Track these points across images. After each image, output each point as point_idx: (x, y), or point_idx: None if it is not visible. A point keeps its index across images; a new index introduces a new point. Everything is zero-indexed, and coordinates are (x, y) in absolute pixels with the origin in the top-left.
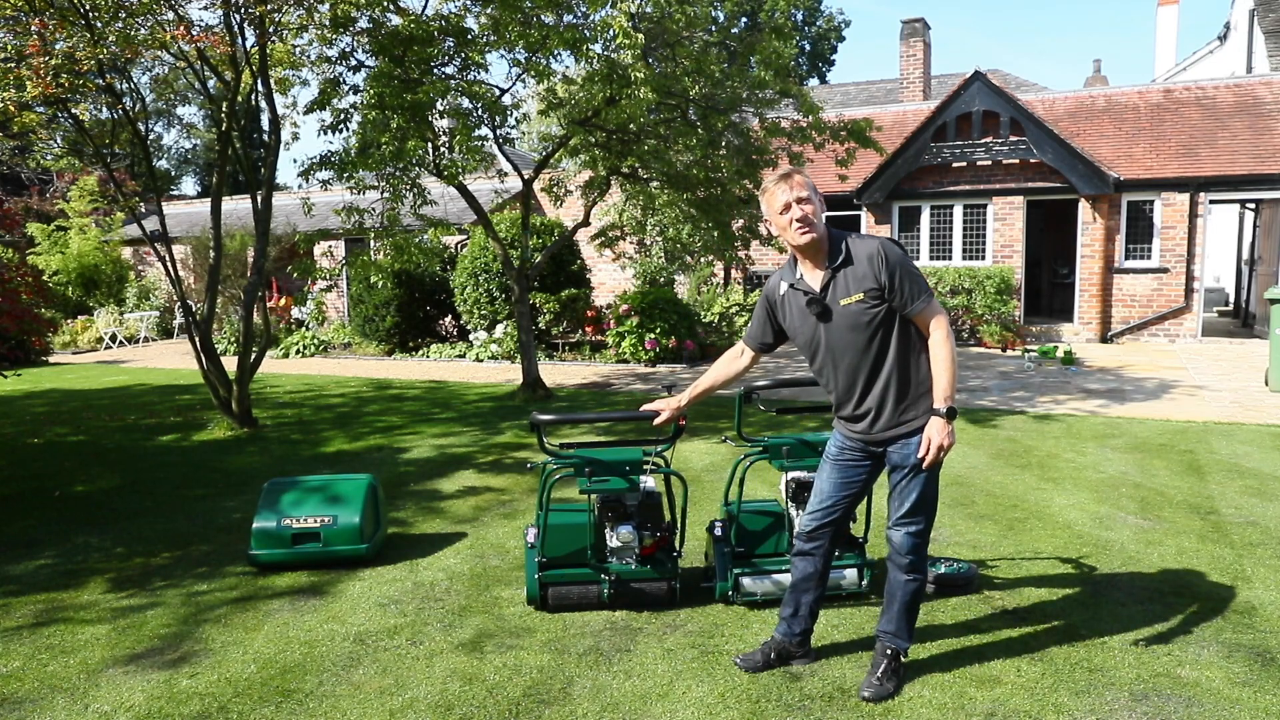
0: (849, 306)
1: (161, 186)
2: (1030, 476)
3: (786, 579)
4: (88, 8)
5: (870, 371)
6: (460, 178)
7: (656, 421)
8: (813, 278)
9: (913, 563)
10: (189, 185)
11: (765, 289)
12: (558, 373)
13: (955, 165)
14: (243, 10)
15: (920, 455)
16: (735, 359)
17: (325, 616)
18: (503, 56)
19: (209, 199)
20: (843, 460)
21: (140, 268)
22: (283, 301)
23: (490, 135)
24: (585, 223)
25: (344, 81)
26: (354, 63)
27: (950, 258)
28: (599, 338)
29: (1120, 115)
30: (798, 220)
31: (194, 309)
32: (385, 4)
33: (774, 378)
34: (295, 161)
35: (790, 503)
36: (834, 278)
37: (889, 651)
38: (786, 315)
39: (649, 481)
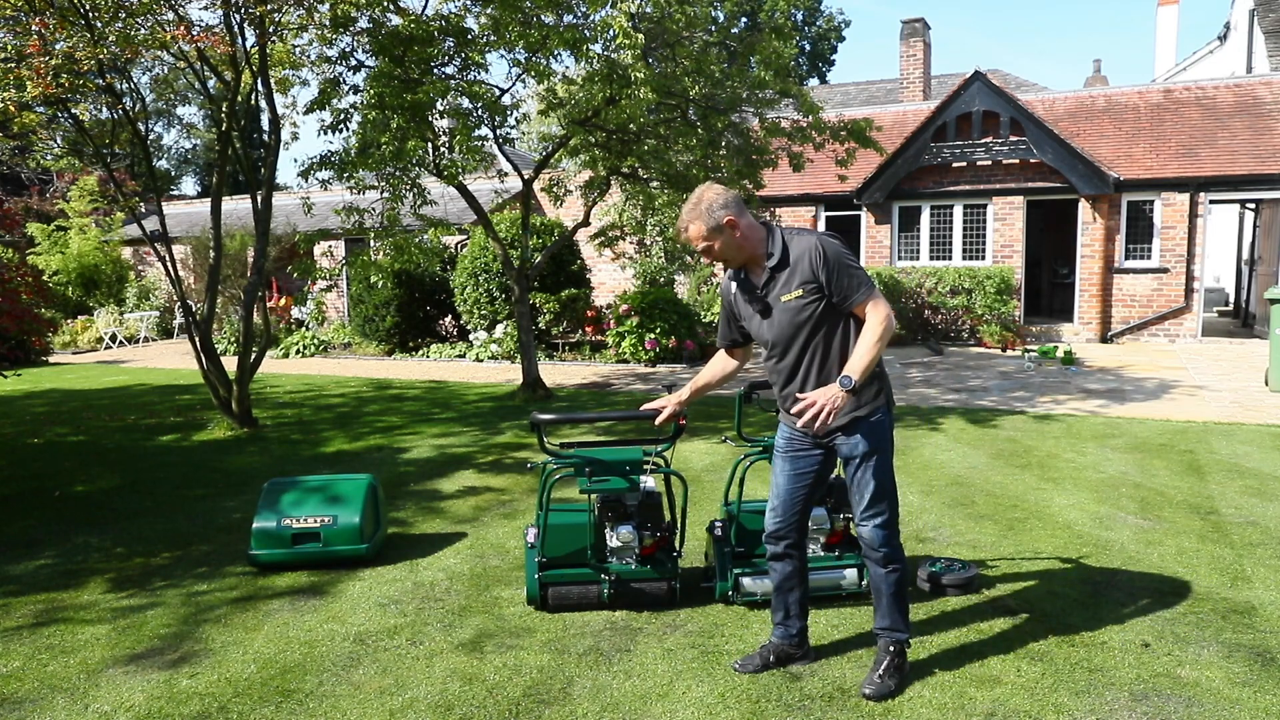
0: (789, 302)
1: (161, 186)
2: (1030, 476)
3: None
4: (88, 8)
5: (809, 365)
6: (460, 178)
7: (659, 420)
8: (755, 276)
9: (887, 554)
10: (189, 185)
11: (721, 289)
12: (558, 373)
13: (955, 165)
14: (243, 10)
15: (799, 410)
16: (726, 359)
17: (325, 616)
18: (503, 56)
19: (209, 199)
20: (792, 452)
21: (140, 268)
22: (283, 301)
23: (490, 135)
24: (585, 223)
25: (344, 81)
26: (354, 63)
27: (950, 258)
28: (599, 338)
29: (1120, 115)
30: (704, 256)
31: (194, 309)
32: (385, 4)
33: None
34: (295, 161)
35: None
36: (773, 276)
37: (890, 647)
38: (740, 312)
39: (649, 481)
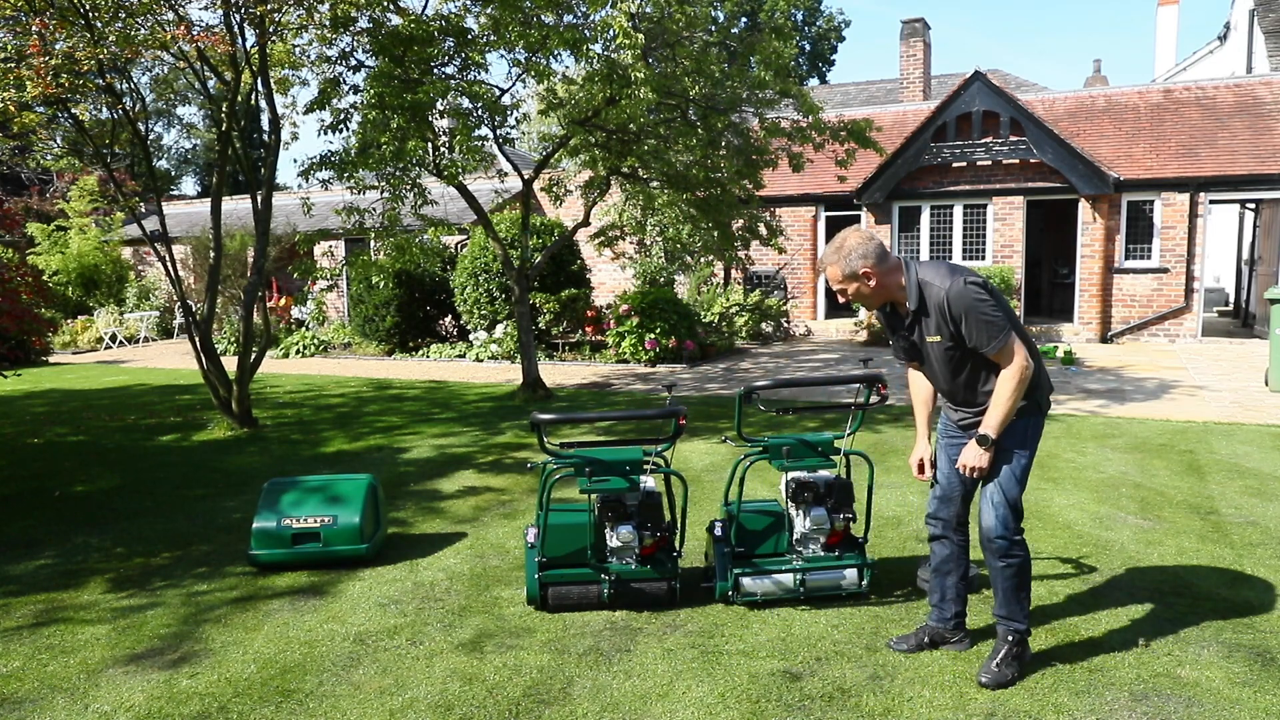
0: (934, 343)
1: (161, 186)
2: (1031, 477)
3: (787, 579)
4: (88, 8)
5: (963, 386)
6: (460, 178)
7: (917, 473)
8: (901, 311)
9: (1002, 547)
10: (189, 185)
11: (877, 315)
12: (558, 373)
13: (955, 165)
14: (243, 10)
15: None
16: (920, 391)
17: (325, 616)
18: (503, 56)
19: (209, 199)
20: (948, 439)
21: (140, 268)
22: (283, 301)
23: (490, 135)
24: (585, 223)
25: (344, 81)
26: (354, 63)
27: (950, 258)
28: (599, 338)
29: (1120, 115)
30: (842, 297)
31: (194, 309)
32: (385, 4)
33: (774, 378)
34: (295, 161)
35: (790, 503)
36: (916, 319)
37: (1010, 636)
38: (896, 339)
39: (649, 481)
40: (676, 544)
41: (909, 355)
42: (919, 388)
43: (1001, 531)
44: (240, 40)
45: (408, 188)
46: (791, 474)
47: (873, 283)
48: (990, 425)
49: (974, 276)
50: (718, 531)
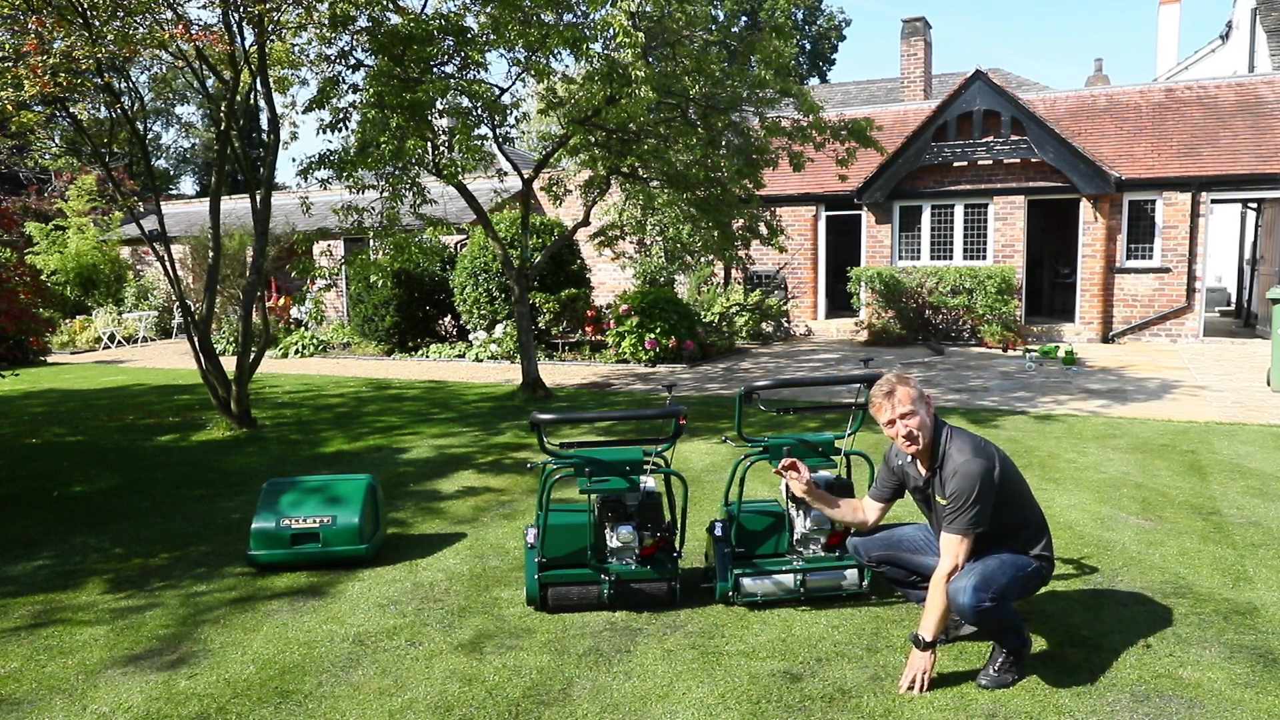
0: (943, 505)
1: (160, 186)
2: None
3: (787, 580)
4: (86, 6)
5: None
6: (460, 177)
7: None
8: (922, 465)
9: (975, 620)
10: (187, 185)
11: (888, 456)
12: (558, 373)
13: (956, 165)
14: (241, 9)
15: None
16: (869, 508)
17: (324, 617)
18: (502, 55)
19: (207, 198)
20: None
21: (139, 267)
22: (281, 301)
23: (490, 134)
24: (585, 222)
25: (343, 80)
26: (353, 61)
27: (951, 257)
28: (599, 338)
29: (1122, 114)
30: (904, 436)
31: (192, 309)
32: (384, 3)
33: (774, 378)
34: (294, 161)
35: (790, 503)
36: (934, 477)
37: (1005, 648)
38: (909, 482)
39: (649, 481)
40: (676, 544)
41: (891, 497)
42: (853, 508)
43: (965, 608)
44: (239, 39)
45: (407, 187)
46: None
47: (928, 413)
48: (926, 629)
49: (994, 467)
50: (718, 532)
